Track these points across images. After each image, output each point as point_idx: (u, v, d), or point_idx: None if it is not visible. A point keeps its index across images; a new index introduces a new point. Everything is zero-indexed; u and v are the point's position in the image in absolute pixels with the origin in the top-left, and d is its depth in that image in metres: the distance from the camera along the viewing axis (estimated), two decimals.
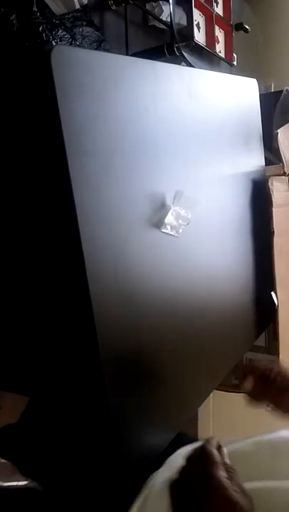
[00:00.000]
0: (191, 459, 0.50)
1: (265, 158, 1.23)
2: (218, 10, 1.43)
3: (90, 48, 1.13)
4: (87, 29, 1.12)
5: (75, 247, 0.54)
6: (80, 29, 1.10)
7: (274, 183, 1.15)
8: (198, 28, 1.33)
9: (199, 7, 1.32)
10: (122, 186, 0.62)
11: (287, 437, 0.59)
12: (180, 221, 0.73)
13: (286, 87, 1.59)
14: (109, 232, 0.59)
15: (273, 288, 1.17)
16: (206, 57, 1.40)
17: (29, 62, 0.60)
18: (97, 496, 0.67)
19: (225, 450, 0.49)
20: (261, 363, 0.77)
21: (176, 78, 0.78)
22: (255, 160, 1.16)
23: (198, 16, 1.33)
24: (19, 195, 0.65)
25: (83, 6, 1.10)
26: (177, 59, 1.29)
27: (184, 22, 1.31)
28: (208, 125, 0.90)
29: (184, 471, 0.49)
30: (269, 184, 1.14)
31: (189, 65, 1.29)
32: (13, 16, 0.94)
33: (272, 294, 1.18)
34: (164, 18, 1.39)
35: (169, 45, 1.26)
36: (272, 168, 1.24)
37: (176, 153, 0.77)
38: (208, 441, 0.50)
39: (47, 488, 0.73)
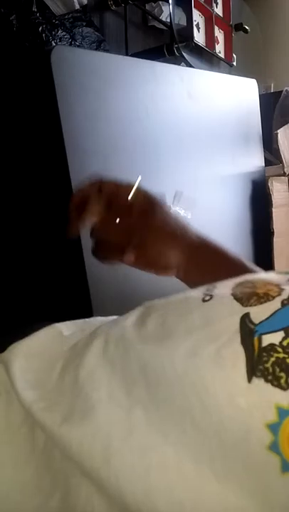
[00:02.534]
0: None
1: (265, 158, 1.23)
2: (218, 10, 1.44)
3: (90, 49, 1.12)
4: (87, 29, 1.12)
5: (75, 247, 0.54)
6: (80, 29, 1.10)
7: (274, 183, 1.15)
8: (198, 28, 1.33)
9: (199, 7, 1.32)
10: None
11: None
12: None
13: (286, 88, 1.59)
14: None
15: None
16: (206, 57, 1.40)
17: (29, 62, 0.60)
18: None
19: None
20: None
21: (175, 78, 0.78)
22: (254, 160, 1.16)
23: (197, 17, 1.33)
24: (20, 195, 0.65)
25: (83, 7, 1.10)
26: (177, 59, 1.29)
27: (183, 22, 1.31)
28: (207, 125, 0.90)
29: None
30: (269, 185, 1.15)
31: (189, 65, 1.29)
32: (13, 16, 0.94)
33: None
34: (163, 19, 1.38)
35: (169, 45, 1.27)
36: (272, 169, 1.24)
37: (176, 153, 0.77)
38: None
39: None
